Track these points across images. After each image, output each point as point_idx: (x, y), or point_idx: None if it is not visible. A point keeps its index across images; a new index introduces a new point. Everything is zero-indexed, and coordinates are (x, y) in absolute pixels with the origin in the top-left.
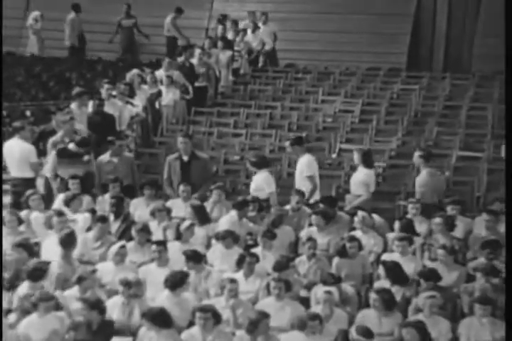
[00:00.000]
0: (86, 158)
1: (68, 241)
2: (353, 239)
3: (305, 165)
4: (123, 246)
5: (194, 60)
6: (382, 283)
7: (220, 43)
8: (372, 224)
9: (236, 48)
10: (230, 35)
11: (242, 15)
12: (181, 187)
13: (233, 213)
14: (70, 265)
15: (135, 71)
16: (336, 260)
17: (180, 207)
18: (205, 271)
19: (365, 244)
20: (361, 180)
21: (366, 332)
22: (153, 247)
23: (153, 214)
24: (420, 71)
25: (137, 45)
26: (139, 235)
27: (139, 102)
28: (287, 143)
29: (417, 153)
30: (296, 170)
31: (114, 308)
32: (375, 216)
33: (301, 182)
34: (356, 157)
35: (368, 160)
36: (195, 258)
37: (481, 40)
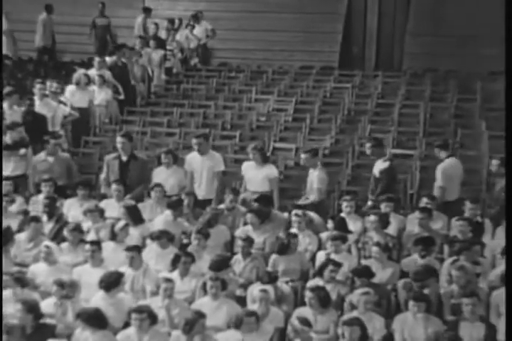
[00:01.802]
0: (22, 151)
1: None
2: (294, 235)
3: (216, 161)
4: (47, 246)
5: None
6: (316, 281)
7: (152, 42)
8: (308, 222)
9: (168, 47)
10: (162, 35)
11: (173, 14)
12: (113, 186)
13: (168, 212)
14: (10, 261)
15: (81, 71)
16: (273, 256)
17: (114, 207)
18: (143, 267)
19: (301, 242)
20: (271, 175)
21: (307, 321)
22: (87, 247)
23: (86, 214)
24: (352, 69)
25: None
26: (72, 235)
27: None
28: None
29: (303, 155)
30: (205, 167)
31: (48, 310)
32: (312, 214)
33: (210, 178)
34: (254, 156)
35: (264, 156)
36: (137, 249)
37: (411, 39)
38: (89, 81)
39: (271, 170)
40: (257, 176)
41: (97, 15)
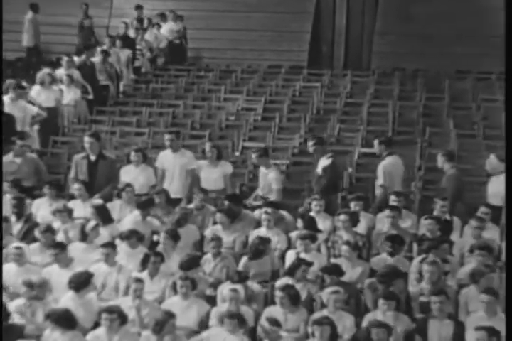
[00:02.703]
0: None
1: None
2: (267, 240)
3: (188, 159)
4: (18, 247)
5: (95, 59)
6: (286, 279)
7: (118, 42)
8: (278, 220)
9: (138, 47)
10: (131, 34)
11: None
12: (74, 186)
13: (137, 212)
14: None
15: (45, 70)
16: (244, 260)
17: (81, 207)
18: (117, 265)
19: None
20: (227, 172)
21: (277, 321)
22: (50, 250)
23: (55, 214)
24: (321, 69)
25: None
26: (44, 237)
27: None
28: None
29: (253, 155)
30: (177, 164)
31: (17, 310)
32: (284, 213)
33: (183, 176)
34: (212, 154)
35: (220, 154)
36: (112, 246)
37: (379, 38)
38: (54, 80)
39: (226, 168)
40: (212, 174)
41: (82, 16)
